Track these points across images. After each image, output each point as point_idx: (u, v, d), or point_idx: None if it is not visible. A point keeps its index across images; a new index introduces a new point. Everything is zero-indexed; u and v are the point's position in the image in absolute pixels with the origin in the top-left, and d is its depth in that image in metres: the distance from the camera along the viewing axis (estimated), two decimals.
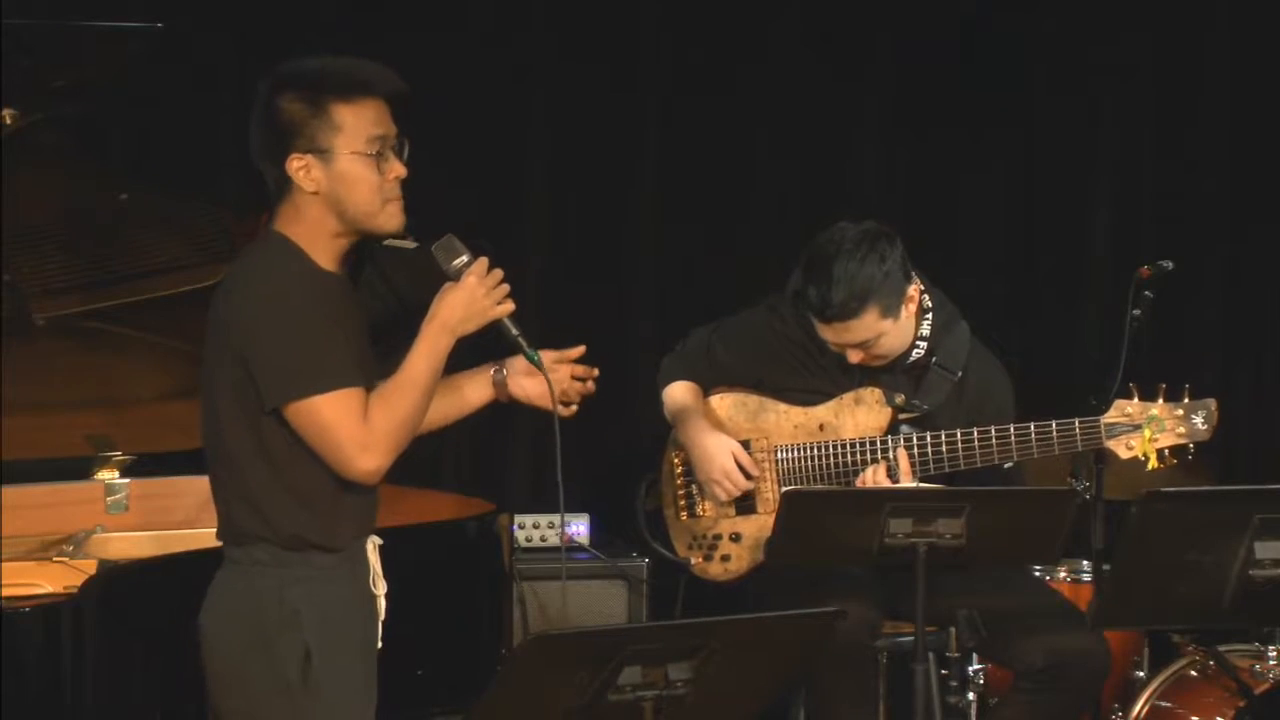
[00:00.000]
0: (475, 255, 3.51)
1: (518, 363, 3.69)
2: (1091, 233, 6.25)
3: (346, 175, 3.42)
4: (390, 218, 3.47)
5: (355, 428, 3.37)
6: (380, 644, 3.59)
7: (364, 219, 3.45)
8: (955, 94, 6.17)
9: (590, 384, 3.76)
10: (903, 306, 4.54)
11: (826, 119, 6.14)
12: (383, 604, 3.58)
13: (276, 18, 5.59)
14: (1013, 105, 6.22)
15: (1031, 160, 6.27)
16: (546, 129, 6.02)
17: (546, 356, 3.67)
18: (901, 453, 4.55)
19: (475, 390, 3.72)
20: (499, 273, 3.50)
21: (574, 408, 3.74)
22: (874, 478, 4.54)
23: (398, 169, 3.47)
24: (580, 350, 3.74)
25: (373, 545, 3.57)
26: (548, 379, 3.62)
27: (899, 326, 4.55)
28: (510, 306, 3.51)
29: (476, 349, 3.65)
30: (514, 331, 3.54)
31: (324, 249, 3.45)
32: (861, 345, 4.54)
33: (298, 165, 3.41)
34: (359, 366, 3.43)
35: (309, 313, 3.38)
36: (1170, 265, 4.55)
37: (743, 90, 6.08)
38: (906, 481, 4.51)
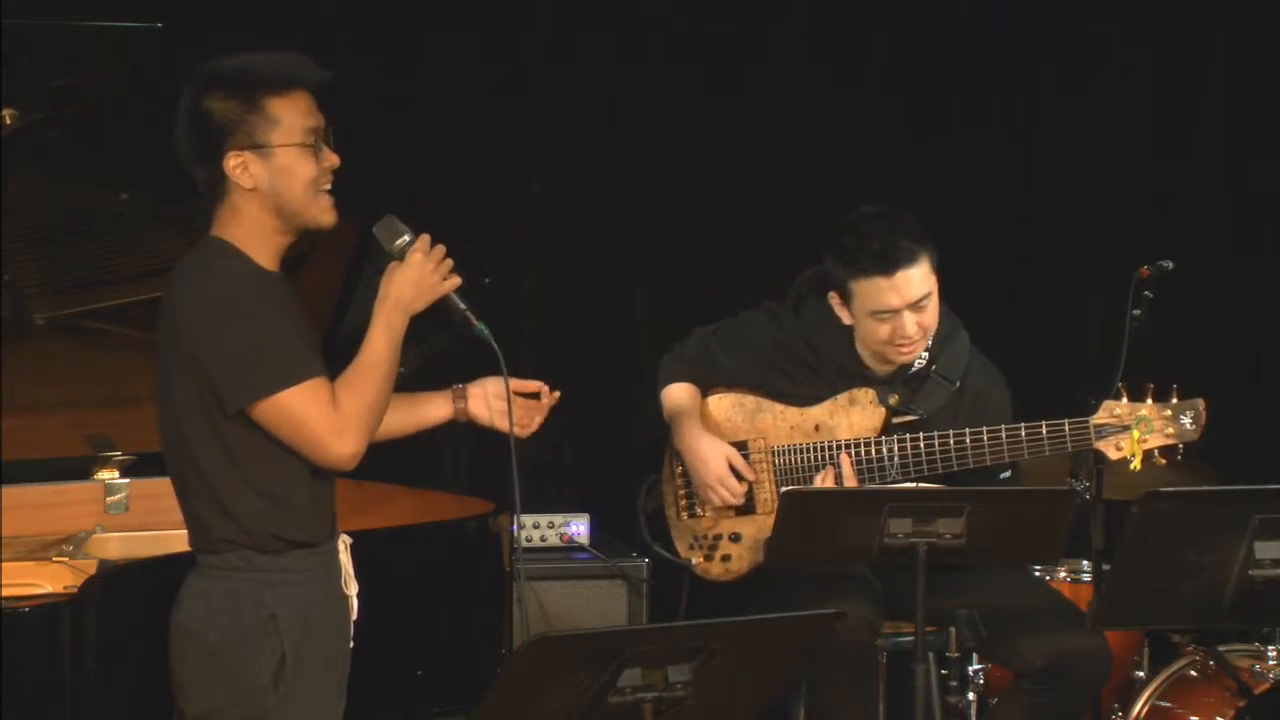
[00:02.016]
0: (416, 234, 3.53)
1: (477, 387, 3.75)
2: (1091, 233, 6.25)
3: (285, 169, 3.43)
4: (324, 211, 3.48)
5: (327, 415, 3.38)
6: (353, 643, 3.60)
7: (301, 212, 3.45)
8: (955, 94, 6.17)
9: (546, 402, 3.78)
10: (936, 273, 4.56)
11: (826, 119, 6.14)
12: (354, 604, 3.59)
13: (277, 18, 5.58)
14: (1013, 105, 6.22)
15: (1031, 160, 6.27)
16: (546, 129, 6.01)
17: (509, 386, 3.71)
18: (844, 456, 4.56)
19: (436, 407, 3.77)
20: (442, 248, 3.52)
21: (532, 429, 3.78)
22: (821, 483, 4.54)
23: (332, 158, 3.49)
24: (538, 386, 3.77)
25: (344, 545, 3.58)
26: (495, 349, 3.59)
27: (936, 298, 4.55)
28: (456, 281, 3.53)
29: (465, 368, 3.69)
30: (461, 306, 3.56)
31: (264, 248, 3.46)
32: (919, 304, 4.50)
33: (235, 163, 3.42)
34: (316, 357, 3.44)
35: (259, 310, 3.38)
36: (1170, 265, 4.55)
37: (743, 90, 6.08)
38: (850, 484, 4.51)
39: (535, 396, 3.78)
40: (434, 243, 3.53)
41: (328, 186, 3.48)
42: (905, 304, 4.50)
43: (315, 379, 3.39)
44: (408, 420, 3.74)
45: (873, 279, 4.51)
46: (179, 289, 3.44)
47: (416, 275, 3.48)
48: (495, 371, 3.67)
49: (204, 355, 3.36)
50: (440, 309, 3.54)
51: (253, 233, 3.45)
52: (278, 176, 3.43)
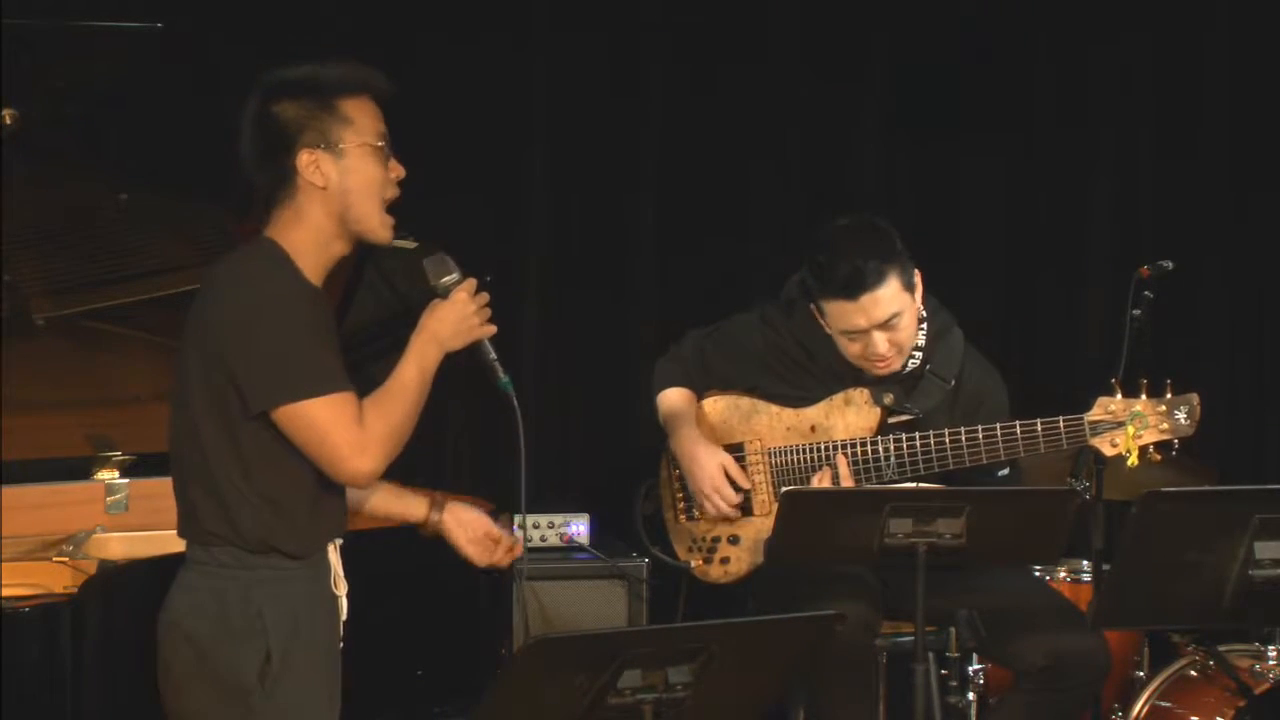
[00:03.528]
0: (465, 275, 3.56)
1: (455, 509, 3.80)
2: (1091, 233, 6.25)
3: (356, 169, 3.45)
4: (384, 225, 3.51)
5: (351, 430, 3.39)
6: (353, 643, 3.60)
7: (364, 218, 3.48)
8: (955, 95, 6.17)
9: (510, 556, 3.83)
10: (915, 288, 4.55)
11: (826, 120, 6.14)
12: (344, 604, 3.59)
13: (277, 18, 5.59)
14: (1013, 106, 6.22)
15: (1032, 161, 6.27)
16: (547, 130, 6.02)
17: (484, 529, 3.79)
18: (841, 457, 4.56)
19: (414, 506, 3.80)
20: (485, 295, 3.56)
21: (485, 563, 3.84)
22: (818, 484, 4.54)
23: (398, 168, 3.52)
24: (511, 541, 3.82)
25: (333, 545, 3.58)
26: (514, 403, 3.62)
27: (911, 314, 4.55)
28: (493, 329, 3.57)
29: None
30: (491, 355, 3.61)
31: (316, 259, 3.47)
32: (888, 324, 4.51)
33: (308, 160, 3.44)
34: (348, 375, 3.45)
35: (300, 319, 3.39)
36: (1170, 265, 4.55)
37: (742, 91, 6.08)
38: (847, 485, 4.52)
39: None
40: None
41: (393, 195, 3.51)
42: (873, 324, 4.51)
43: (345, 392, 3.41)
44: (391, 507, 3.77)
45: (839, 302, 4.52)
46: (220, 284, 3.45)
47: (459, 314, 3.52)
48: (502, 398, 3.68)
49: (234, 353, 3.36)
50: (471, 353, 3.57)
51: (309, 239, 3.46)
52: (348, 176, 3.45)
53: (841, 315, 4.54)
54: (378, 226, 3.50)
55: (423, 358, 3.49)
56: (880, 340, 4.53)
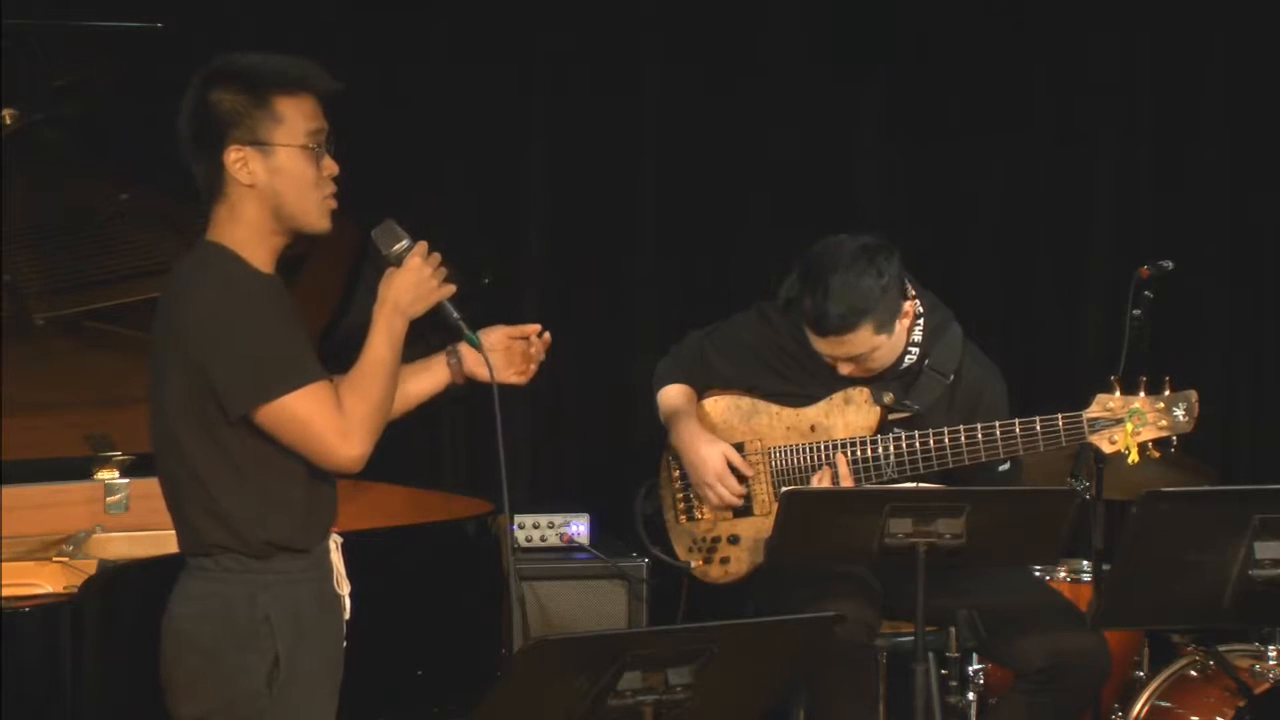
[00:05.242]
0: (414, 240, 3.53)
1: (464, 347, 3.70)
2: (1091, 233, 6.25)
3: (284, 169, 3.42)
4: (322, 216, 3.47)
5: (332, 418, 3.37)
6: (352, 643, 3.59)
7: (299, 215, 3.44)
8: (955, 94, 6.17)
9: (540, 346, 3.74)
10: (897, 322, 4.54)
11: (826, 121, 6.14)
12: (347, 603, 3.58)
13: (276, 18, 5.59)
14: (1013, 106, 6.21)
15: (1032, 161, 6.27)
16: (546, 130, 6.01)
17: (501, 333, 3.70)
18: (840, 457, 4.56)
19: (432, 375, 3.72)
20: (438, 255, 3.52)
21: (530, 374, 3.75)
22: (818, 484, 4.55)
23: (331, 166, 3.47)
24: (535, 328, 3.74)
25: (335, 544, 3.57)
26: (487, 359, 3.62)
27: (892, 341, 4.56)
28: (451, 289, 3.53)
29: None
30: (454, 315, 3.57)
31: (260, 251, 3.44)
32: (854, 359, 4.54)
33: (235, 157, 3.41)
34: (316, 360, 3.44)
35: (262, 315, 3.38)
36: (1170, 265, 4.56)
37: (742, 92, 6.08)
38: (847, 484, 4.52)
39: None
40: (434, 245, 3.54)
41: (329, 191, 3.47)
42: (839, 359, 4.53)
43: (320, 382, 3.39)
44: (420, 390, 3.69)
45: (806, 327, 4.55)
46: (179, 293, 3.43)
47: (415, 279, 3.48)
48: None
49: (207, 360, 3.35)
50: (434, 316, 3.55)
51: (250, 234, 3.44)
52: (276, 176, 3.41)
53: (811, 338, 4.57)
54: (315, 220, 3.46)
55: (390, 330, 3.46)
56: (844, 365, 4.55)
